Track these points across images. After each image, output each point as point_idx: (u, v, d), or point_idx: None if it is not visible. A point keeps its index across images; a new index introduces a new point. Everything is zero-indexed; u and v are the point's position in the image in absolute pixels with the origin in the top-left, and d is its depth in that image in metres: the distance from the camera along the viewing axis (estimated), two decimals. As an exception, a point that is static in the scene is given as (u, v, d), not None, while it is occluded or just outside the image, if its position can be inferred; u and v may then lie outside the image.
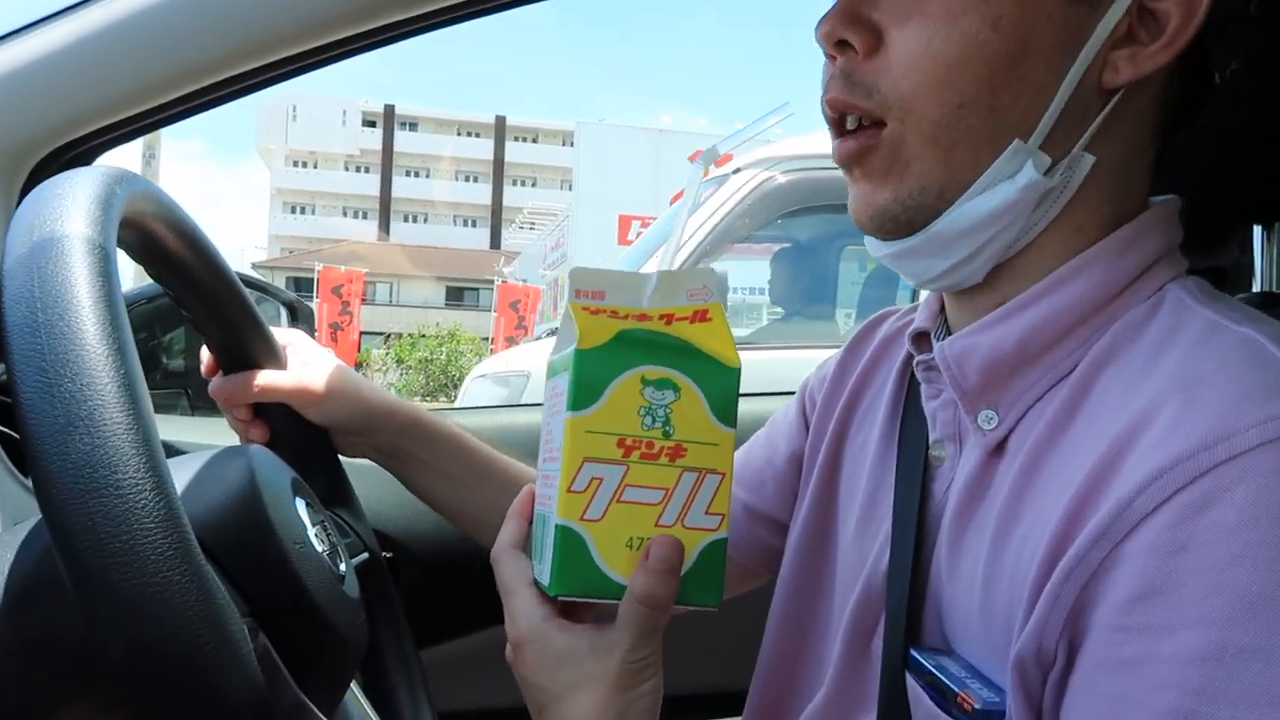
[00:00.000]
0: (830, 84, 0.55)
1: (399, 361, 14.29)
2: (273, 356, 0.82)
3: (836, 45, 0.55)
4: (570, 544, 0.50)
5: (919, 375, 0.61)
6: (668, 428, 0.50)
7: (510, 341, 13.23)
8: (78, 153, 1.04)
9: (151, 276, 0.70)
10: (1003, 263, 0.55)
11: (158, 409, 1.50)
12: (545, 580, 0.51)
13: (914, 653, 0.55)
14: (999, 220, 0.53)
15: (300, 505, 0.64)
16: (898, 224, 0.55)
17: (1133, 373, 0.49)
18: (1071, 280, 0.53)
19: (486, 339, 15.24)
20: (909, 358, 0.64)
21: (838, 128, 0.56)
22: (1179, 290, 0.53)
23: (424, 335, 15.25)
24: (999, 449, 0.54)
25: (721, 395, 0.51)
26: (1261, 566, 0.40)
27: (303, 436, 0.85)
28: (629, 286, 0.52)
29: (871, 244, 0.59)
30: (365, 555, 0.85)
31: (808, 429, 0.76)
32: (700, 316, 0.52)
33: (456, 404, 4.34)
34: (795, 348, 3.44)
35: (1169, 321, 0.51)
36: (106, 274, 0.46)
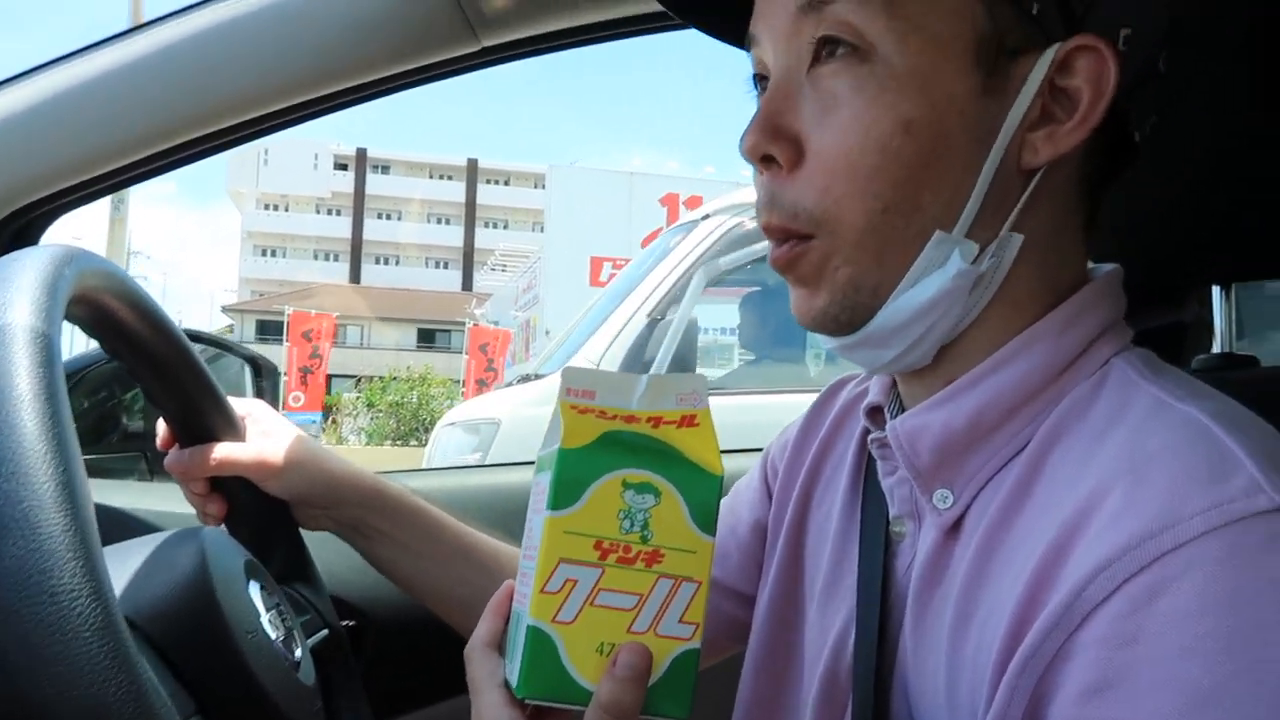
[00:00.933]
0: (761, 209, 0.56)
1: (369, 405, 14.18)
2: (231, 428, 0.81)
3: (761, 160, 0.55)
4: (540, 646, 0.49)
5: (874, 452, 0.61)
6: (646, 532, 0.49)
7: (481, 384, 13.17)
8: (41, 213, 1.03)
9: (106, 351, 0.69)
10: (949, 343, 0.55)
11: (115, 474, 1.47)
12: (513, 679, 0.50)
13: None
14: (936, 309, 0.53)
15: (254, 590, 0.62)
16: (838, 324, 0.55)
17: (1080, 452, 0.50)
18: (1016, 358, 0.53)
19: (458, 381, 15.17)
20: (866, 429, 0.64)
21: (773, 237, 0.57)
22: (1124, 365, 0.53)
23: (395, 378, 15.16)
24: (955, 528, 0.54)
25: (702, 503, 0.50)
26: (1211, 659, 0.40)
27: (262, 510, 0.83)
28: (619, 387, 0.52)
29: (819, 337, 0.59)
30: (324, 632, 0.83)
31: (770, 498, 0.75)
32: (688, 421, 0.52)
33: (427, 450, 4.28)
34: (766, 392, 3.46)
35: (1115, 398, 0.51)
36: (49, 364, 0.45)
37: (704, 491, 0.50)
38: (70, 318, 0.57)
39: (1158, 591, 0.41)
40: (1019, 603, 0.46)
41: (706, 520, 0.50)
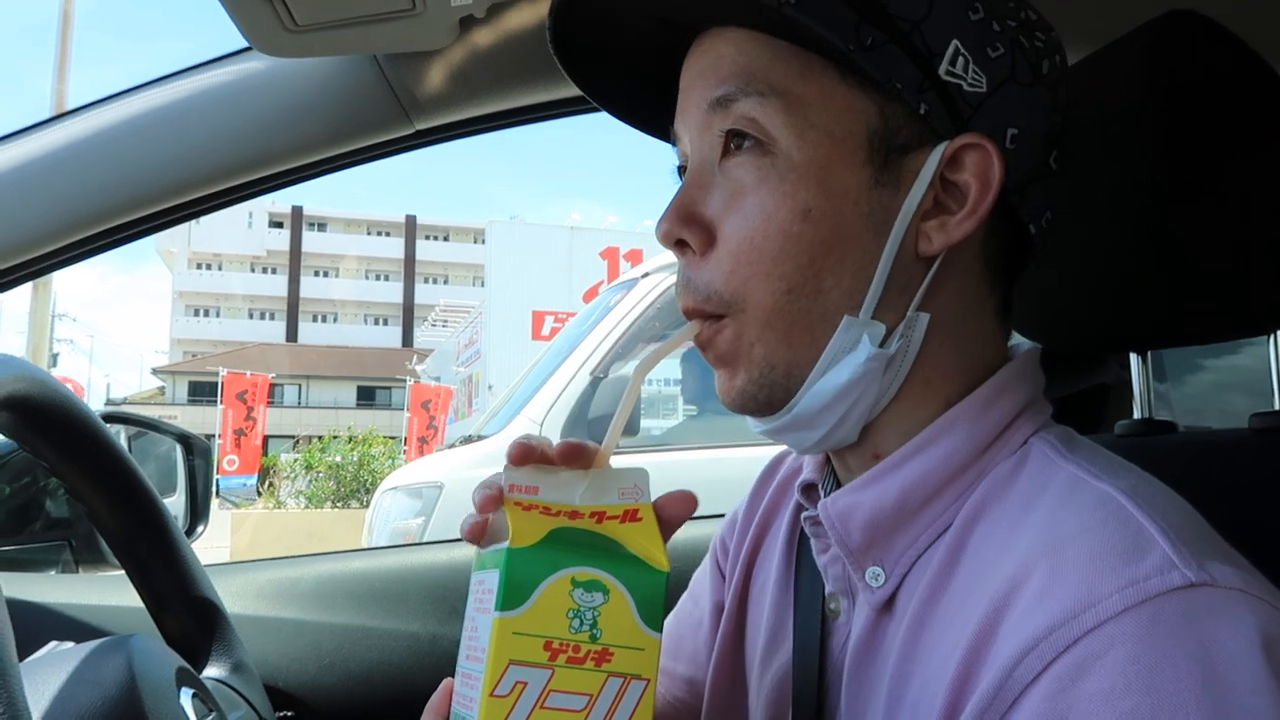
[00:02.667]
0: (679, 291, 0.59)
1: (308, 467, 13.88)
2: (162, 524, 0.79)
3: (676, 244, 0.58)
4: None
5: (807, 530, 0.63)
6: (595, 630, 0.49)
7: (422, 442, 12.99)
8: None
9: (34, 457, 0.67)
10: (871, 420, 0.58)
11: (38, 564, 1.42)
12: None
13: None
14: (853, 391, 0.55)
15: (186, 699, 0.60)
16: (758, 403, 0.58)
17: (1003, 531, 0.51)
18: (940, 438, 0.56)
19: (399, 439, 14.95)
20: (800, 506, 0.65)
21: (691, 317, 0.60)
22: (1043, 444, 0.55)
23: (335, 437, 14.89)
24: (888, 606, 0.56)
25: (649, 599, 0.50)
26: None
27: (191, 602, 0.81)
28: (562, 483, 0.53)
29: (750, 423, 0.61)
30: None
31: (724, 578, 0.76)
32: (630, 516, 0.53)
33: (368, 515, 4.19)
34: (708, 448, 3.47)
35: (1035, 477, 0.53)
36: None
37: (651, 588, 0.50)
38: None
39: (1083, 670, 0.43)
40: (951, 682, 0.47)
41: (653, 617, 0.50)
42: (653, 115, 0.65)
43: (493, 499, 0.53)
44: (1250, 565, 0.48)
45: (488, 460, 3.27)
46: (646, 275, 4.00)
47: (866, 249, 0.54)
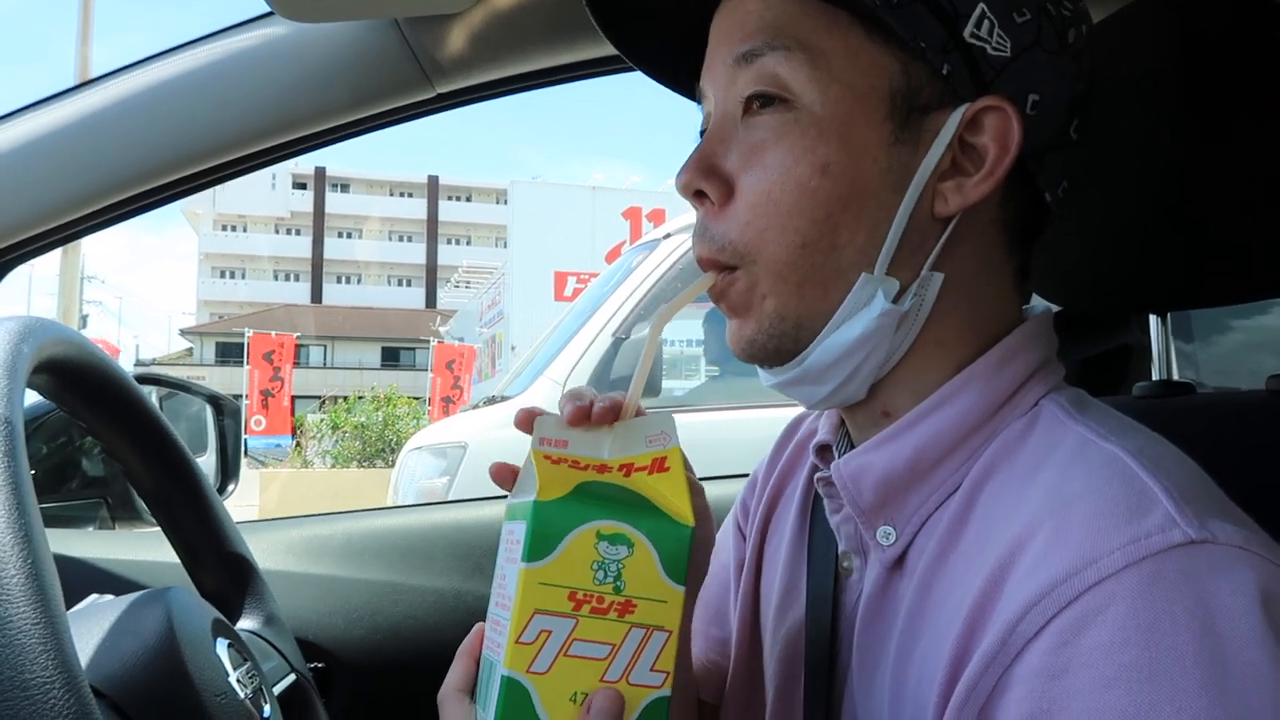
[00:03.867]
0: (695, 241, 0.60)
1: (334, 427, 14.01)
2: (195, 480, 0.81)
3: (695, 195, 0.59)
4: (515, 696, 0.50)
5: (820, 490, 0.64)
6: (619, 583, 0.51)
7: (447, 402, 13.09)
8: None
9: (72, 417, 0.69)
10: (881, 378, 0.58)
11: (75, 521, 1.45)
12: None
13: None
14: (864, 346, 0.56)
15: (221, 648, 0.63)
16: (766, 353, 0.58)
17: (1012, 490, 0.52)
18: (953, 399, 0.57)
19: (423, 400, 15.06)
20: (815, 467, 0.66)
21: (706, 268, 0.61)
22: (1053, 405, 0.56)
23: (360, 398, 15.01)
24: (899, 564, 0.57)
25: (673, 553, 0.52)
26: (1135, 688, 0.42)
27: (224, 556, 0.83)
28: (591, 437, 0.54)
29: (761, 375, 0.62)
30: (291, 678, 0.84)
31: (745, 539, 0.78)
32: (659, 465, 0.54)
33: (393, 475, 4.24)
34: (730, 408, 3.48)
35: (1044, 438, 0.54)
36: (12, 453, 0.45)
37: (675, 542, 0.51)
38: (31, 387, 0.57)
39: (1084, 625, 0.44)
40: (958, 637, 0.48)
41: (677, 570, 0.51)
42: (681, 72, 0.66)
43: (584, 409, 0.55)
44: (1254, 523, 0.48)
45: (511, 420, 3.29)
46: (669, 236, 3.99)
47: (883, 206, 0.55)
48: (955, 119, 0.55)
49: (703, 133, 0.62)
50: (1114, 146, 0.72)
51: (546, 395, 3.46)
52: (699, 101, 0.63)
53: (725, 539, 0.81)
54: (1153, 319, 0.92)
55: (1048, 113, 0.56)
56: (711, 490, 0.66)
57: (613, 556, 0.51)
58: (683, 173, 0.58)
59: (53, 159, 0.99)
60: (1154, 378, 0.91)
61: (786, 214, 0.55)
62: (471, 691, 0.56)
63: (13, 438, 0.46)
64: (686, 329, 5.04)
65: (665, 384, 3.66)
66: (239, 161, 1.04)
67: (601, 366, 3.57)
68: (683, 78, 0.66)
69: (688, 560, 0.52)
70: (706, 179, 0.57)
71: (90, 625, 0.60)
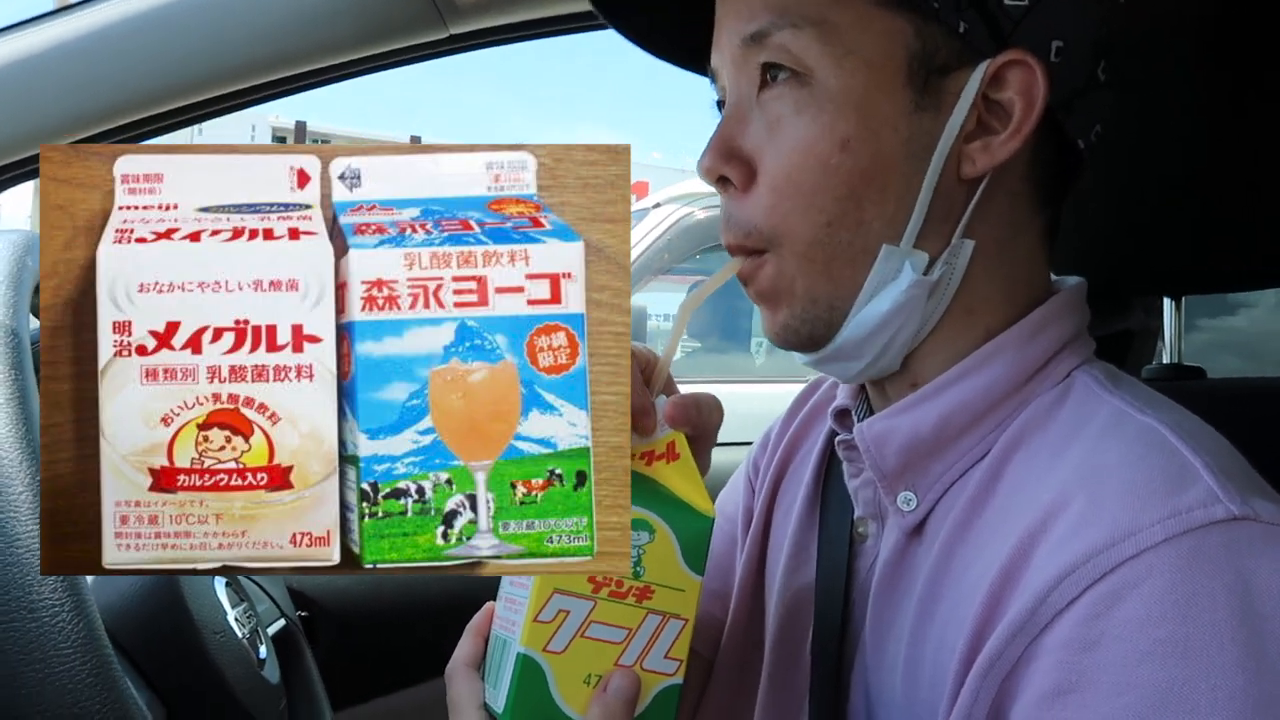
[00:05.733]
0: (721, 226, 0.59)
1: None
2: None
3: (718, 181, 0.58)
4: (530, 674, 0.50)
5: (840, 454, 0.63)
6: (639, 568, 0.51)
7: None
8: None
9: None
10: (914, 349, 0.58)
11: None
12: (499, 707, 0.51)
13: None
14: (896, 319, 0.55)
15: (220, 586, 0.61)
16: (801, 338, 0.58)
17: (1042, 461, 0.51)
18: (983, 366, 0.55)
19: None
20: (832, 432, 0.65)
21: (734, 252, 0.60)
22: (1086, 377, 0.55)
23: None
24: (918, 531, 0.56)
25: (694, 542, 0.52)
26: (1169, 663, 0.41)
27: None
28: None
29: (795, 356, 0.61)
30: (281, 622, 0.83)
31: (754, 493, 0.78)
32: (671, 451, 0.54)
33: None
34: (711, 382, 3.47)
35: (1077, 410, 0.53)
36: (17, 365, 0.44)
37: (696, 533, 0.52)
38: (35, 309, 0.55)
39: (1118, 598, 0.43)
40: (982, 606, 0.48)
41: (696, 560, 0.52)
42: (690, 52, 0.65)
43: None
44: None
45: None
46: (657, 206, 3.97)
47: (907, 177, 0.54)
48: (976, 78, 0.53)
49: (720, 105, 0.61)
50: (1141, 113, 0.71)
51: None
52: (712, 79, 0.61)
53: (734, 493, 0.80)
54: (1167, 302, 0.92)
55: (1073, 58, 0.54)
56: (716, 456, 0.66)
57: (635, 542, 0.51)
58: (704, 158, 0.57)
59: (32, 86, 0.96)
60: (1164, 361, 0.90)
61: (809, 194, 0.54)
62: (478, 667, 0.56)
63: (19, 349, 0.45)
64: (671, 304, 5.03)
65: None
66: (233, 96, 1.00)
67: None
68: (694, 57, 0.64)
69: (706, 550, 0.52)
70: (728, 163, 0.57)
71: None
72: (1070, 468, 0.49)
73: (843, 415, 0.65)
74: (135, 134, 1.02)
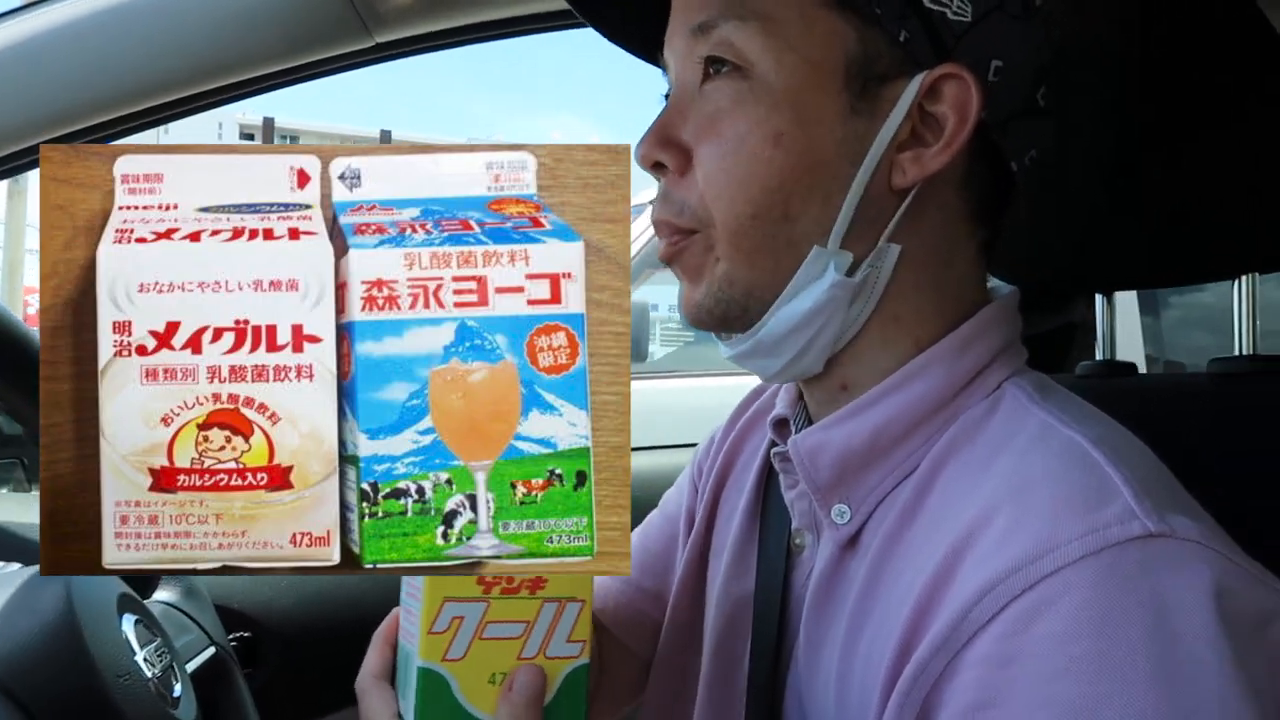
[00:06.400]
0: (654, 206, 0.59)
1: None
2: None
3: (654, 166, 0.58)
4: (433, 686, 0.50)
5: (776, 465, 0.63)
6: None
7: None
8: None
9: None
10: (838, 352, 0.58)
11: None
12: (409, 718, 0.51)
13: None
14: (817, 318, 0.55)
15: (128, 625, 0.60)
16: (713, 318, 0.58)
17: (970, 474, 0.52)
18: (915, 379, 0.56)
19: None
20: (772, 441, 0.66)
21: (662, 234, 0.60)
22: (1015, 389, 0.55)
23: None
24: (852, 543, 0.56)
25: None
26: (1085, 679, 0.41)
27: None
28: None
29: (720, 347, 0.61)
30: (210, 651, 0.82)
31: (697, 493, 0.77)
32: None
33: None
34: (703, 375, 3.47)
35: (1005, 423, 0.53)
36: None
37: None
38: None
39: (1037, 614, 0.43)
40: (908, 620, 0.48)
41: None
42: (643, 41, 0.65)
43: None
44: (1210, 518, 0.48)
45: None
46: (652, 203, 3.97)
47: (838, 177, 0.54)
48: (913, 88, 0.53)
49: (666, 97, 0.61)
50: (1067, 119, 0.72)
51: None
52: (664, 70, 0.62)
53: (677, 494, 0.80)
54: (1098, 299, 0.92)
55: (1012, 80, 0.55)
56: (671, 458, 0.66)
57: None
58: (641, 144, 0.58)
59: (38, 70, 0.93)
60: (1098, 357, 0.91)
61: (739, 184, 0.54)
62: (392, 678, 0.56)
63: None
64: (672, 295, 5.03)
65: (653, 349, 3.65)
66: (162, 109, 0.97)
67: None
68: (646, 45, 0.64)
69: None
70: (664, 149, 0.57)
71: None
72: (996, 481, 0.49)
73: (781, 425, 0.65)
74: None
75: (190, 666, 0.75)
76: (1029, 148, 0.57)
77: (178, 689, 0.61)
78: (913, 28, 0.53)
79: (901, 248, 0.55)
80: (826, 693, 0.54)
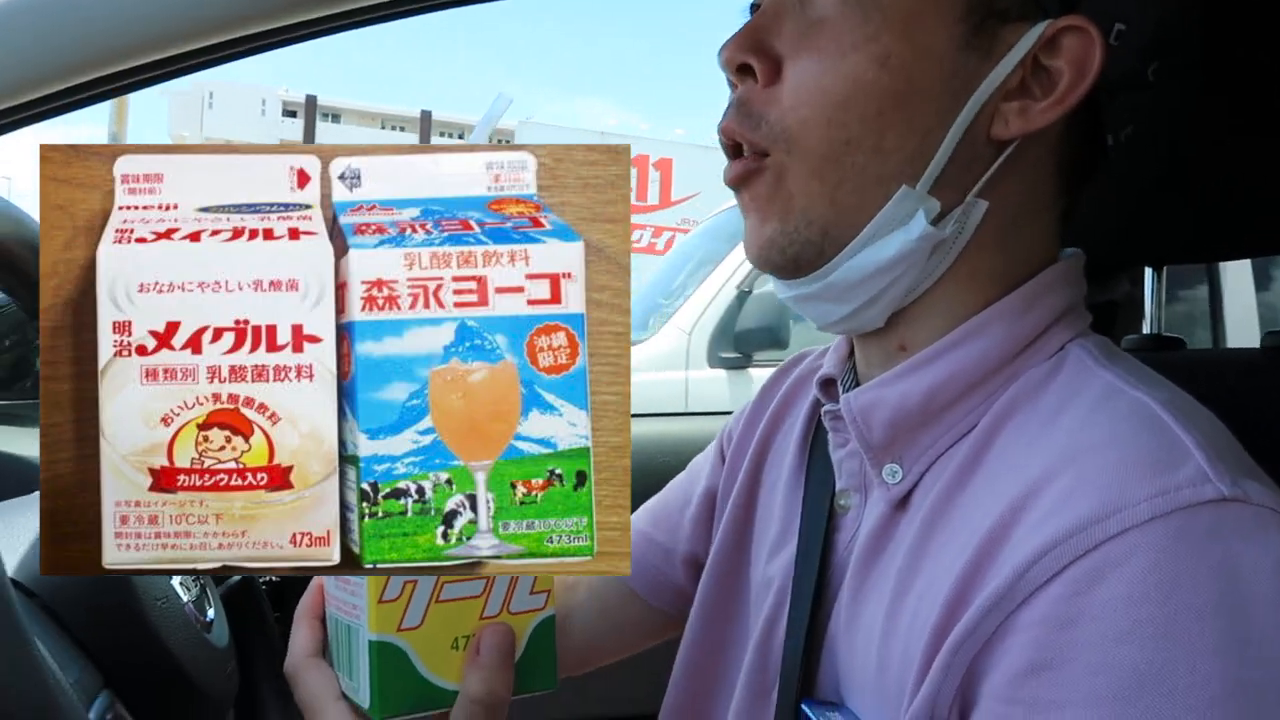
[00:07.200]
0: (727, 111, 0.55)
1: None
2: None
3: (738, 71, 0.55)
4: (390, 660, 0.46)
5: (826, 424, 0.62)
6: None
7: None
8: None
9: (6, 292, 0.66)
10: (902, 308, 0.55)
11: (22, 419, 1.42)
12: (364, 702, 0.47)
13: (805, 706, 0.55)
14: (894, 269, 0.53)
15: None
16: (785, 258, 0.55)
17: (1030, 434, 0.50)
18: (975, 337, 0.54)
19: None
20: (817, 402, 0.64)
21: (731, 152, 0.56)
22: (1080, 350, 0.54)
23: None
24: (903, 503, 0.55)
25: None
26: (1149, 644, 0.40)
27: None
28: None
29: (775, 284, 0.59)
30: (237, 576, 0.82)
31: (724, 464, 0.77)
32: None
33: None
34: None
35: (1069, 383, 0.52)
36: None
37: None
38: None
39: (1100, 575, 0.42)
40: (958, 580, 0.46)
41: None
42: None
43: None
44: None
45: (649, 364, 3.33)
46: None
47: (938, 114, 0.51)
48: (1034, 34, 0.51)
49: (751, 9, 0.58)
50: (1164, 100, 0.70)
51: (674, 343, 3.45)
52: None
53: (703, 462, 0.80)
54: (1147, 272, 0.91)
55: (1130, 46, 0.53)
56: (700, 425, 0.65)
57: None
58: (728, 46, 0.54)
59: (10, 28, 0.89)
60: (1144, 332, 0.89)
61: (835, 105, 0.51)
62: (324, 654, 0.53)
63: None
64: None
65: (792, 336, 3.64)
66: (181, 58, 0.94)
67: (726, 318, 3.55)
68: None
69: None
70: (754, 54, 0.53)
71: (25, 519, 0.57)
72: (1058, 442, 0.47)
73: (828, 385, 0.63)
74: (68, 102, 0.95)
75: (221, 590, 0.75)
76: (1128, 122, 0.56)
77: (211, 613, 0.62)
78: None
79: (989, 205, 0.53)
80: (868, 652, 0.52)
